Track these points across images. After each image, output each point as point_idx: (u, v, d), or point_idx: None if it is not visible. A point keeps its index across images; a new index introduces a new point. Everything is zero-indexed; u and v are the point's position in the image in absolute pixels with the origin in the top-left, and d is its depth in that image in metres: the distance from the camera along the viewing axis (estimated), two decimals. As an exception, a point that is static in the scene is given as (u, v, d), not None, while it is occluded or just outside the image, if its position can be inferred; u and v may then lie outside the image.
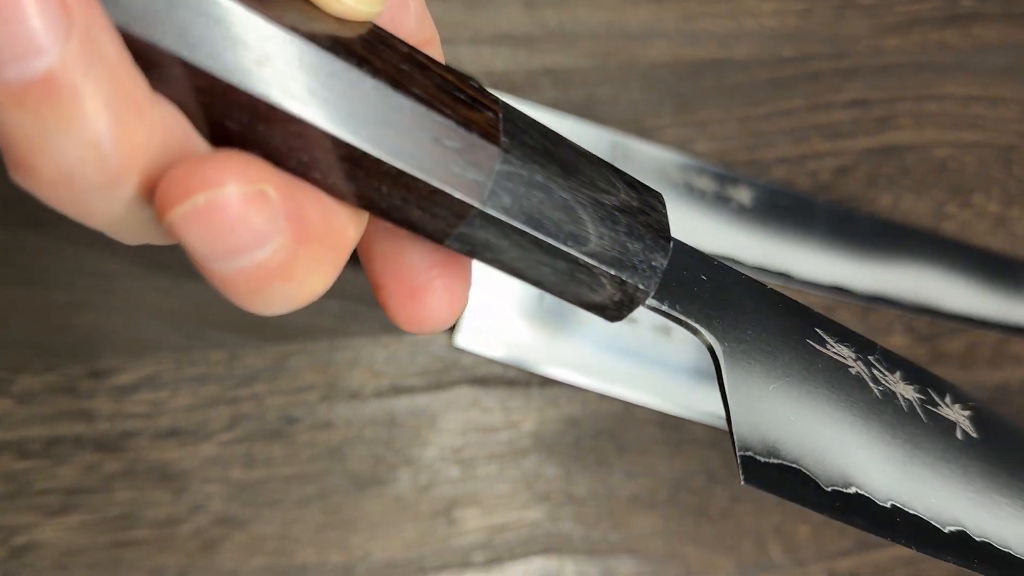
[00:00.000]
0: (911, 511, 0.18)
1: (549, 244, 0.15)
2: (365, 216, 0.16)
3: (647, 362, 0.35)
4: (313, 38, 0.13)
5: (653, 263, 0.16)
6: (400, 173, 0.14)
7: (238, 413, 0.32)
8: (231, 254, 0.13)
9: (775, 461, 0.17)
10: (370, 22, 0.15)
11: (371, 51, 0.14)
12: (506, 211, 0.15)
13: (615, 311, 0.17)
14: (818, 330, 0.18)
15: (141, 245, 0.15)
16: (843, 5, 0.41)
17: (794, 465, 0.17)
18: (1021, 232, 0.41)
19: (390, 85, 0.14)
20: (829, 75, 0.40)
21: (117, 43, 0.12)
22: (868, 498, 0.17)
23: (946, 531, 0.18)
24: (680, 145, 0.38)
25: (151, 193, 0.13)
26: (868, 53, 0.41)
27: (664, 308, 0.17)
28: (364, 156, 0.13)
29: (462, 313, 0.17)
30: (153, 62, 0.12)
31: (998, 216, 0.41)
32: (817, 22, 0.41)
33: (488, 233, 0.15)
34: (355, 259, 0.17)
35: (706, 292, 0.17)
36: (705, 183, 0.37)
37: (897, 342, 0.38)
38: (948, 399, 0.19)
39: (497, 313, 0.34)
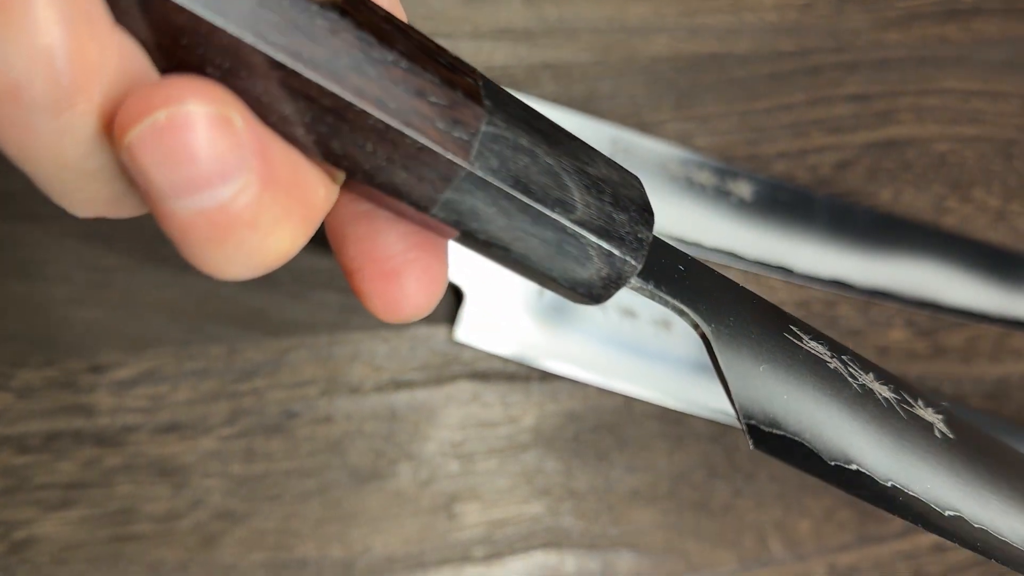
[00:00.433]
0: (911, 492, 0.18)
1: (537, 210, 0.15)
2: (336, 186, 0.15)
3: (647, 356, 0.35)
4: None
5: (640, 235, 0.16)
6: (387, 127, 0.14)
7: (238, 407, 0.32)
8: (193, 187, 0.12)
9: (778, 432, 0.17)
10: None
11: (353, 7, 0.14)
12: (494, 173, 0.14)
13: (602, 288, 0.16)
14: (793, 327, 0.18)
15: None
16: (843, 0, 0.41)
17: (796, 438, 0.17)
18: (1022, 226, 0.41)
19: (374, 36, 0.13)
20: (829, 69, 0.40)
21: None
22: (870, 476, 0.17)
23: (946, 515, 0.18)
24: (680, 140, 0.38)
25: (107, 128, 0.13)
26: (868, 48, 0.41)
27: (650, 288, 0.17)
28: (349, 107, 0.13)
29: (438, 300, 0.17)
30: None
31: (998, 210, 0.41)
32: (817, 17, 0.41)
33: (476, 198, 0.15)
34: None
35: (686, 281, 0.17)
36: (705, 177, 0.37)
37: (897, 336, 0.38)
38: (920, 403, 0.19)
39: (497, 308, 0.34)
